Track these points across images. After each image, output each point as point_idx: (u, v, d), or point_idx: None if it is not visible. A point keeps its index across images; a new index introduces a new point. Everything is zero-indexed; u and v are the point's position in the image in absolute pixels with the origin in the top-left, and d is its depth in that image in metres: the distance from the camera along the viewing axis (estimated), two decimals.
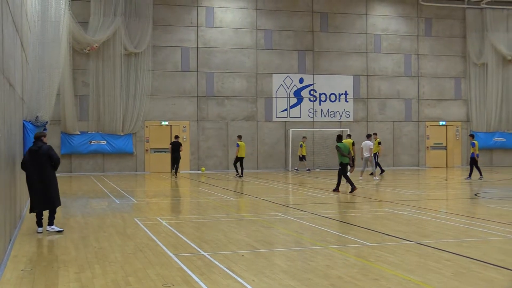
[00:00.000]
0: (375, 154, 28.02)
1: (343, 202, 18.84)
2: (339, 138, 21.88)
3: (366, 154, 26.50)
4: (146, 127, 32.83)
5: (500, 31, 37.88)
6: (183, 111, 33.34)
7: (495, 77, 37.79)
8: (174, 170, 29.70)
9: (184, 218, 15.29)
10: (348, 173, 21.47)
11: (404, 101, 36.94)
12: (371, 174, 28.22)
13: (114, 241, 11.53)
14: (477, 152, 26.68)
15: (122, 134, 32.02)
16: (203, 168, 31.64)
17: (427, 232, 12.43)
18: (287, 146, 34.65)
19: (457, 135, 37.35)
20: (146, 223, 13.84)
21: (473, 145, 26.92)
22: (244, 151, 29.76)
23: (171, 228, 13.12)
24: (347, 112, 35.98)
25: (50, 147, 12.64)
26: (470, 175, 26.78)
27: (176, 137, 30.12)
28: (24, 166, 12.57)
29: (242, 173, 29.38)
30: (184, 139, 33.09)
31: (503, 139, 37.94)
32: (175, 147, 29.40)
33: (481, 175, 26.61)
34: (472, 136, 28.05)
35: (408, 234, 12.09)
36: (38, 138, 12.68)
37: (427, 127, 37.37)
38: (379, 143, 29.48)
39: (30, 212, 12.74)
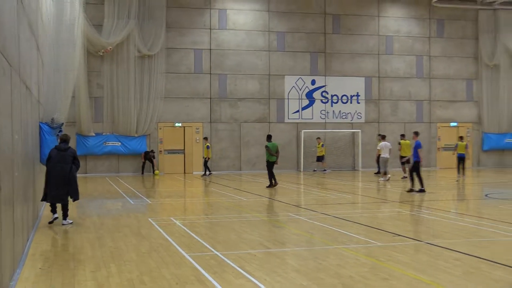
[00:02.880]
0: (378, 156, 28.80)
1: (354, 203, 18.87)
2: (269, 137, 23.55)
3: (385, 155, 26.61)
4: (160, 128, 32.96)
5: None
6: (196, 113, 33.46)
7: (507, 78, 37.66)
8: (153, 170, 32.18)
9: (197, 218, 15.39)
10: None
11: (415, 102, 36.89)
12: (377, 173, 29.23)
13: (129, 241, 11.66)
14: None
15: (136, 135, 32.17)
16: (157, 172, 31.94)
17: (437, 232, 12.45)
18: (299, 147, 34.69)
19: (468, 136, 37.22)
20: (160, 223, 13.96)
21: (467, 146, 28.11)
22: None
23: (185, 228, 13.22)
24: (359, 114, 35.96)
25: (75, 151, 14.11)
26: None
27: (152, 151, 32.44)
28: (48, 161, 13.76)
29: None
30: (197, 141, 33.25)
31: None
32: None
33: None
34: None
35: (418, 234, 12.14)
36: (66, 141, 13.97)
37: (439, 128, 37.30)
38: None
39: (41, 200, 14.18)
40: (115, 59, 31.82)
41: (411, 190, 20.90)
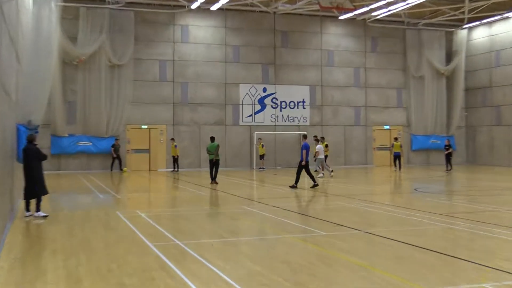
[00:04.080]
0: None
1: (302, 196, 18.83)
2: (212, 139, 23.27)
3: (321, 156, 26.12)
4: (128, 130, 32.41)
5: (434, 48, 38.35)
6: (160, 116, 33.06)
7: (431, 87, 38.21)
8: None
9: (161, 211, 15.10)
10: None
11: (353, 108, 37.18)
12: (315, 171, 29.20)
13: (98, 232, 11.33)
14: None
15: (106, 136, 31.56)
16: (125, 169, 31.45)
17: (373, 222, 12.48)
18: (252, 147, 34.59)
19: (399, 137, 37.64)
20: (127, 216, 13.62)
21: (401, 146, 29.88)
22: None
23: (149, 220, 12.94)
24: (304, 118, 36.01)
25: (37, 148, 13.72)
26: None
27: (116, 139, 31.47)
28: (21, 160, 13.68)
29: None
30: (161, 142, 32.86)
31: (438, 142, 38.26)
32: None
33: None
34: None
35: (358, 224, 12.13)
36: (31, 141, 13.62)
37: (374, 130, 37.65)
38: (326, 145, 29.76)
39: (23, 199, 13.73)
40: (88, 68, 31.16)
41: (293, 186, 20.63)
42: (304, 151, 20.56)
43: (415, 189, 20.99)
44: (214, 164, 22.71)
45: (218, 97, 34.20)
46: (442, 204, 16.13)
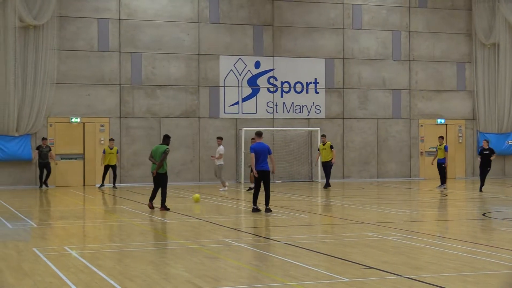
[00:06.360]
0: (327, 162, 30.94)
1: (312, 225, 18.80)
2: (165, 138, 22.27)
3: (219, 162, 28.36)
4: (51, 125, 32.40)
5: None
6: (101, 105, 33.03)
7: (510, 61, 38.29)
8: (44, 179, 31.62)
9: (101, 247, 15.07)
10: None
11: (391, 92, 37.21)
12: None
13: (5, 280, 11.29)
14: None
15: (17, 134, 31.56)
16: None
17: (420, 264, 12.44)
18: (239, 151, 34.54)
19: (460, 136, 37.70)
20: (50, 255, 13.56)
21: (446, 149, 30.54)
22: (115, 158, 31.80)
23: (84, 261, 12.87)
24: (317, 107, 36.05)
25: None
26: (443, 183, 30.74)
27: (44, 139, 31.78)
28: None
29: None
30: (102, 142, 32.75)
31: None
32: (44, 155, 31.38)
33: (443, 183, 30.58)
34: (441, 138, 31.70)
35: (397, 266, 12.10)
36: None
37: (422, 126, 37.68)
38: (331, 147, 30.24)
39: None
40: None
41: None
42: (252, 155, 20.56)
43: (483, 215, 20.95)
44: (156, 180, 21.78)
45: (188, 75, 34.24)
46: None
